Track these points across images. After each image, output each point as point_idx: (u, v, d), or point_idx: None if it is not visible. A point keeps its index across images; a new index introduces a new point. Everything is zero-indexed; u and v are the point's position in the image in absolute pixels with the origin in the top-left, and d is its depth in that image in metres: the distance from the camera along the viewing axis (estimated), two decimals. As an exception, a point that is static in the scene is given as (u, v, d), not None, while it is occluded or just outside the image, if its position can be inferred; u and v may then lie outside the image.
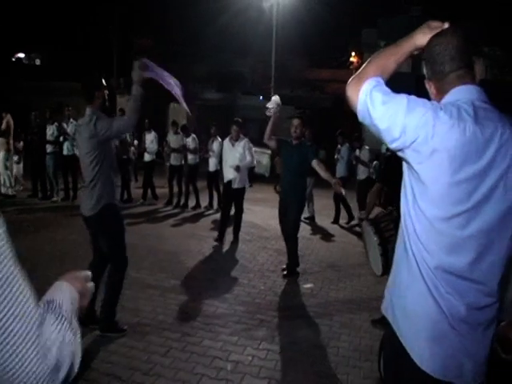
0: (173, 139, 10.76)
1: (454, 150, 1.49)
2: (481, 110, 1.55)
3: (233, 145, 7.78)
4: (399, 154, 1.62)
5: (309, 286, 5.77)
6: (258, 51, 26.51)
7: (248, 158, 7.67)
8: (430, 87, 1.74)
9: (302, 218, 9.86)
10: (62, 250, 6.51)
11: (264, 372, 3.66)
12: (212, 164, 10.20)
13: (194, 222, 9.34)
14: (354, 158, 9.94)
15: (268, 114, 6.01)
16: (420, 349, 1.61)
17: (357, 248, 7.35)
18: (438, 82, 1.69)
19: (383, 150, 13.13)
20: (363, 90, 1.61)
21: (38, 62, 30.14)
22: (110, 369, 3.54)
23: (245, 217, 7.99)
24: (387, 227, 4.63)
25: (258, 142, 16.19)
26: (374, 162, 10.06)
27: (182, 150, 10.69)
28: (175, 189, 10.85)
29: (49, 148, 10.63)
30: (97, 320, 4.13)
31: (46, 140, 10.57)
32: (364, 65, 1.71)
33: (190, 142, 10.66)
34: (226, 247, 7.21)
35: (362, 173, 9.86)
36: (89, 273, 1.24)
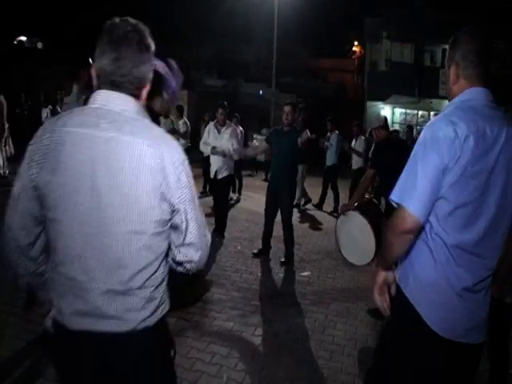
0: (162, 122, 10.53)
1: (473, 147, 1.73)
2: (490, 109, 1.83)
3: (219, 131, 7.05)
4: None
5: (306, 273, 5.77)
6: (261, 38, 26.32)
7: (235, 146, 6.97)
8: (452, 75, 1.94)
9: (302, 206, 9.95)
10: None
11: (258, 358, 3.67)
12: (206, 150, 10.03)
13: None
14: (348, 148, 9.98)
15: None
16: (431, 313, 1.85)
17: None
18: (459, 76, 1.92)
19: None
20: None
21: (39, 45, 29.88)
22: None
23: (244, 204, 7.97)
24: (373, 210, 4.62)
25: (258, 130, 16.19)
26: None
27: (172, 133, 10.53)
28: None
29: None
30: None
31: (39, 122, 10.64)
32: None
33: (181, 125, 10.27)
34: (225, 233, 7.17)
35: (355, 163, 9.90)
36: None
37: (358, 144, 9.83)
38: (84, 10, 24.22)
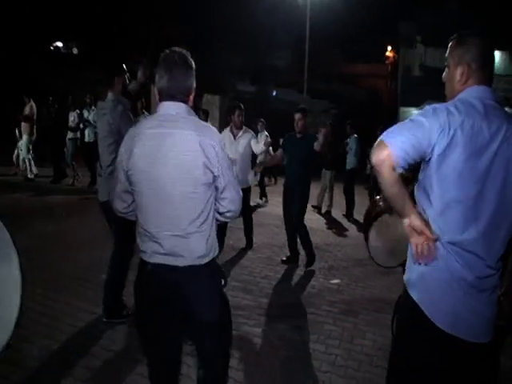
0: None
1: (465, 141, 1.75)
2: (490, 107, 1.83)
3: (234, 137, 6.62)
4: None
5: (336, 281, 5.71)
6: (293, 44, 26.33)
7: (260, 147, 6.75)
8: (460, 75, 1.97)
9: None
10: (90, 234, 6.60)
11: (285, 365, 3.64)
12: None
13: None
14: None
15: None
16: (435, 310, 1.86)
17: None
18: (469, 77, 1.94)
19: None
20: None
21: (75, 51, 30.63)
22: (111, 356, 3.58)
23: (272, 209, 7.93)
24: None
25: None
26: None
27: None
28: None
29: (70, 134, 10.96)
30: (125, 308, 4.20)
31: (66, 126, 10.98)
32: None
33: None
34: (255, 239, 7.16)
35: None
36: None
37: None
38: (120, 18, 24.76)
